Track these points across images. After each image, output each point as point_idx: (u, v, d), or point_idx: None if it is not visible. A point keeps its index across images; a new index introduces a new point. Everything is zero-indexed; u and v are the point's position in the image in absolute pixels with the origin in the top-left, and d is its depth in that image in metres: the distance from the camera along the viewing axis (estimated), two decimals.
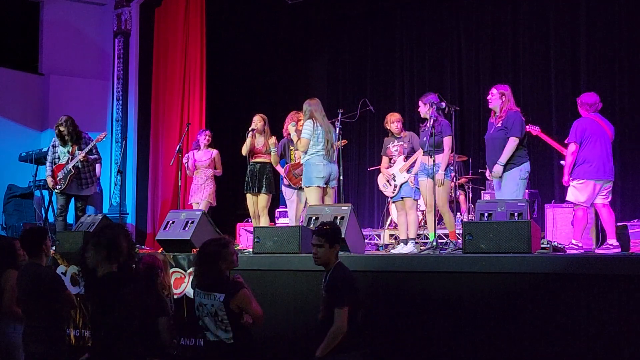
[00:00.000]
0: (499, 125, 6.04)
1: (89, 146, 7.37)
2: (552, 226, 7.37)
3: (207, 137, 7.96)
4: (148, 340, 4.14)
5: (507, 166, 5.96)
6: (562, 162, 6.52)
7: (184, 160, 7.98)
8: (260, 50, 11.59)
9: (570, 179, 6.08)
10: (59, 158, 7.41)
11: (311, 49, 12.12)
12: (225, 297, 3.96)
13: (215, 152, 7.95)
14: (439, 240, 6.23)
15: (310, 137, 6.46)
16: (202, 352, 4.20)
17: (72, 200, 7.50)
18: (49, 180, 7.39)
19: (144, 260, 4.31)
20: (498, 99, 6.12)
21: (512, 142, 5.92)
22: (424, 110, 6.46)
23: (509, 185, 5.97)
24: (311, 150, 6.45)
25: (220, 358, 4.00)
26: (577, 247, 5.92)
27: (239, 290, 4.03)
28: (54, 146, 7.48)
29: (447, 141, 6.31)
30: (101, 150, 7.72)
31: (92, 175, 7.54)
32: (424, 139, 6.36)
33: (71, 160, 7.31)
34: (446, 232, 7.34)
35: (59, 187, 7.33)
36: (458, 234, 6.48)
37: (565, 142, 6.30)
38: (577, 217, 6.08)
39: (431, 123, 6.22)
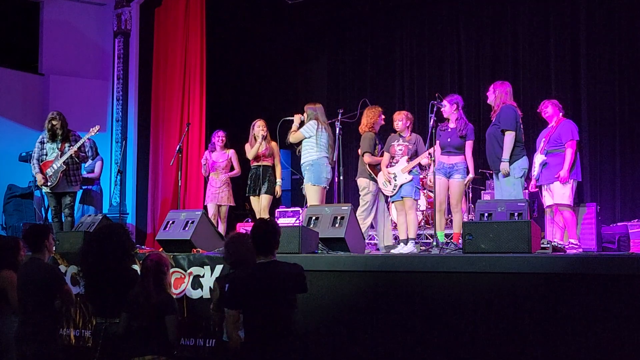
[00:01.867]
0: (493, 120, 6.20)
1: (80, 142, 7.30)
2: (552, 226, 7.37)
3: (222, 139, 7.99)
4: (155, 338, 4.14)
5: (502, 165, 6.05)
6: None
7: (202, 162, 7.98)
8: (260, 50, 11.59)
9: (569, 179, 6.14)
10: (46, 155, 7.35)
11: (311, 49, 12.12)
12: None
13: (231, 152, 7.98)
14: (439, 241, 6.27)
15: (308, 136, 6.78)
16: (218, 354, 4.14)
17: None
18: (39, 177, 7.25)
19: (151, 257, 4.31)
20: (492, 94, 6.28)
21: (509, 137, 5.99)
22: (450, 110, 6.51)
23: (504, 186, 6.06)
24: (320, 153, 6.78)
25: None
26: (577, 246, 5.95)
27: None
28: (42, 142, 7.41)
29: (471, 144, 6.49)
30: (101, 150, 7.72)
31: (79, 174, 7.48)
32: (448, 139, 6.46)
33: (61, 156, 7.24)
34: (447, 231, 7.33)
35: (50, 183, 7.24)
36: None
37: (553, 139, 6.33)
38: (567, 217, 6.19)
39: (431, 123, 6.29)
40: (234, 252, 4.24)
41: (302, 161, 6.92)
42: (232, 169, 8.01)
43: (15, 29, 10.36)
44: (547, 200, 6.49)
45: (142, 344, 4.11)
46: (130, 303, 4.17)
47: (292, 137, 6.90)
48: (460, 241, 6.13)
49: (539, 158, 6.44)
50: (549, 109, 6.53)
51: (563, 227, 6.44)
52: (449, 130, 6.55)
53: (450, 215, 7.63)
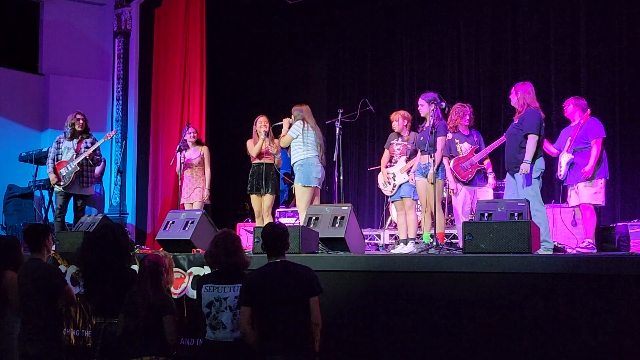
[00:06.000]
0: (516, 121, 6.01)
1: (96, 145, 7.39)
2: (552, 226, 7.36)
3: (193, 134, 7.87)
4: (153, 339, 4.14)
5: (519, 163, 5.88)
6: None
7: (181, 160, 7.78)
8: (260, 50, 11.59)
9: (592, 179, 6.09)
10: (61, 154, 7.40)
11: (311, 49, 12.11)
12: None
13: (204, 149, 7.84)
14: (420, 241, 6.33)
15: (296, 136, 6.76)
16: (209, 354, 4.16)
17: (71, 199, 7.48)
18: (52, 177, 7.32)
19: (149, 258, 4.32)
20: (514, 96, 6.09)
21: (532, 140, 5.81)
22: (427, 109, 6.42)
23: (522, 186, 5.87)
24: (308, 153, 6.73)
25: (239, 357, 4.01)
26: (593, 245, 5.98)
27: None
28: (58, 142, 7.47)
29: (440, 141, 6.28)
30: (102, 150, 7.73)
31: (92, 176, 7.54)
32: (421, 138, 6.38)
33: (76, 157, 7.30)
34: (447, 231, 7.31)
35: (63, 183, 7.28)
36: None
37: (579, 138, 6.29)
38: (588, 217, 6.14)
39: (431, 122, 6.22)
40: (210, 251, 4.23)
41: (292, 162, 6.91)
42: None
43: (15, 29, 10.37)
44: (573, 200, 6.39)
45: (140, 344, 4.11)
46: (127, 303, 4.18)
47: (282, 142, 6.92)
48: (445, 241, 6.18)
49: (565, 157, 6.36)
50: (569, 107, 6.50)
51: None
52: (424, 129, 6.42)
53: (450, 215, 7.63)
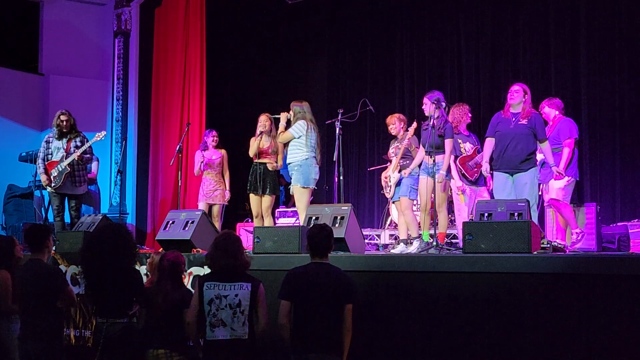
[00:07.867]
0: (525, 122, 5.93)
1: (85, 146, 7.34)
2: (552, 226, 7.36)
3: (215, 138, 7.96)
4: (170, 334, 4.23)
5: (527, 164, 5.88)
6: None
7: (199, 160, 7.85)
8: (260, 50, 11.60)
9: (564, 176, 6.11)
10: (51, 154, 7.38)
11: (311, 49, 12.11)
12: (252, 287, 4.11)
13: (224, 152, 7.95)
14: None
15: (298, 136, 6.67)
16: (208, 354, 4.17)
17: (66, 200, 7.47)
18: (43, 178, 7.31)
19: (167, 257, 4.40)
20: (522, 95, 6.02)
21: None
22: (430, 108, 6.40)
23: (530, 185, 5.86)
24: (308, 154, 6.65)
25: (239, 356, 4.04)
26: (582, 233, 6.02)
27: (260, 283, 4.19)
28: (47, 142, 7.44)
29: (448, 143, 6.26)
30: (101, 150, 7.75)
31: (84, 174, 7.52)
32: (427, 138, 6.36)
33: (66, 158, 7.27)
34: (449, 231, 7.31)
35: (53, 184, 7.28)
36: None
37: (552, 138, 6.30)
38: (565, 210, 6.23)
39: (432, 122, 6.21)
40: (211, 253, 4.25)
41: (288, 161, 6.79)
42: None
43: (15, 29, 10.38)
44: (546, 197, 6.51)
45: (157, 338, 4.24)
46: (147, 301, 4.29)
47: (281, 138, 6.82)
48: (445, 241, 6.19)
49: (537, 157, 6.41)
50: (545, 109, 6.56)
51: (565, 228, 6.44)
52: (428, 128, 6.34)
53: (451, 215, 7.63)
